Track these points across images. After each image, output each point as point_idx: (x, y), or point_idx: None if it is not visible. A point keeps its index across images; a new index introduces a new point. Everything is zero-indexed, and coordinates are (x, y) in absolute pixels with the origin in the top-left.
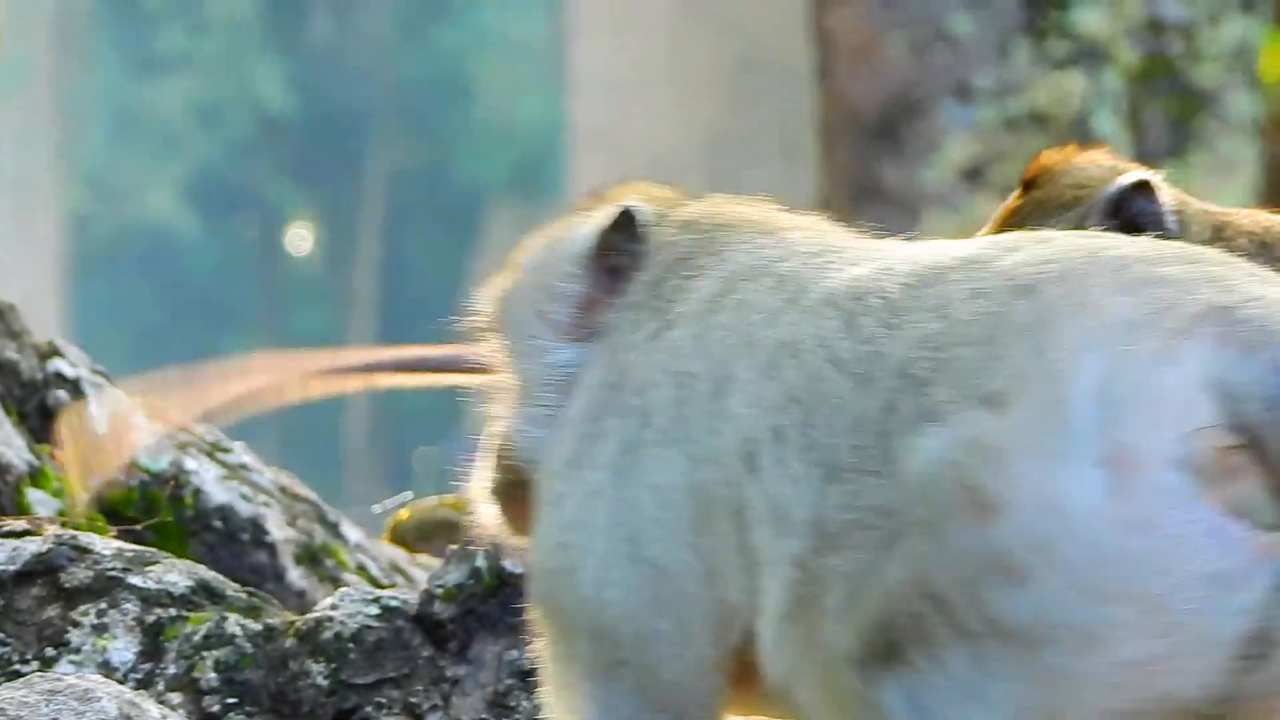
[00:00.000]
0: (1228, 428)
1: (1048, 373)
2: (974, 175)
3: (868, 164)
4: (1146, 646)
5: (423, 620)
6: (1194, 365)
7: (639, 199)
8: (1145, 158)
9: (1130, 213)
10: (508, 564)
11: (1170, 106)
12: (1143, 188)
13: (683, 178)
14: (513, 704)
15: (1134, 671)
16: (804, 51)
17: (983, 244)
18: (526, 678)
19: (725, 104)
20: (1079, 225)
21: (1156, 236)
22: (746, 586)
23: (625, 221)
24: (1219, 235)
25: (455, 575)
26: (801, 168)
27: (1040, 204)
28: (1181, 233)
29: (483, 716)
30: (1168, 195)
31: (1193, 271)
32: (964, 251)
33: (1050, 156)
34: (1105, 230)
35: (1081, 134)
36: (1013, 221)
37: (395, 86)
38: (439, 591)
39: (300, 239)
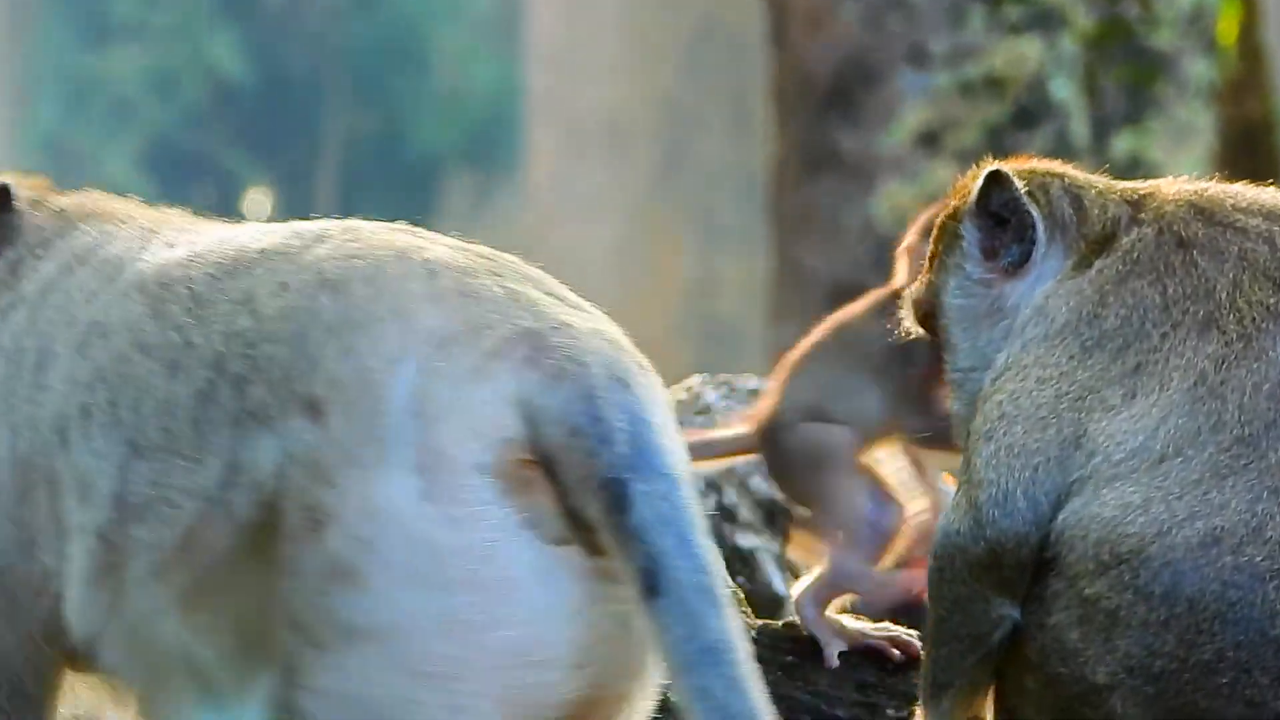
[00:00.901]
0: (529, 446)
1: (363, 381)
2: (929, 141)
3: (822, 131)
4: (507, 634)
5: None
6: (504, 384)
7: (15, 182)
8: (1102, 123)
9: (992, 206)
10: None
11: (1127, 72)
12: (996, 178)
13: (637, 145)
14: None
15: (513, 660)
16: (758, 18)
17: (288, 233)
18: None
19: (680, 71)
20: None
21: (1019, 223)
22: (58, 554)
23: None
24: (1136, 211)
25: None
26: (756, 135)
27: (950, 212)
28: (1076, 216)
29: None
30: (1022, 182)
31: (506, 289)
32: (269, 241)
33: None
34: (977, 226)
35: (1038, 99)
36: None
37: (349, 53)
38: None
39: (257, 205)
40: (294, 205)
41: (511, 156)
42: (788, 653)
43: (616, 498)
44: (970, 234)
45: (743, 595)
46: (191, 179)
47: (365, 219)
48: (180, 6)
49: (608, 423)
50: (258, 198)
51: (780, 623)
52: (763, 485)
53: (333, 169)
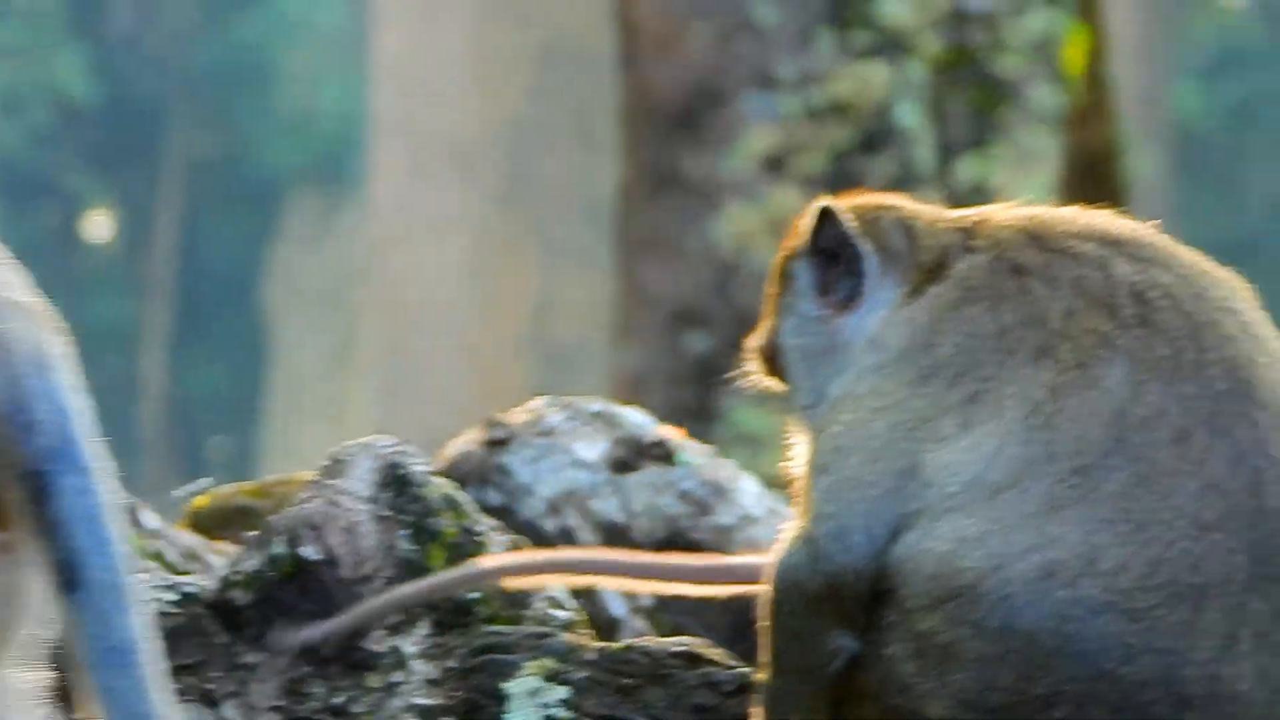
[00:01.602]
0: None
1: None
2: (775, 165)
3: (669, 153)
4: None
5: (219, 607)
6: None
7: None
8: (947, 149)
9: (823, 244)
10: (305, 550)
11: (973, 98)
12: (826, 216)
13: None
14: (308, 691)
15: None
16: (607, 39)
17: None
18: (322, 664)
19: (528, 92)
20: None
21: (850, 258)
22: None
23: None
24: (969, 238)
25: (253, 562)
26: (603, 156)
27: (785, 254)
28: (909, 246)
29: (278, 703)
30: (852, 217)
31: None
32: None
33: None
34: (810, 264)
35: (884, 125)
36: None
37: (196, 74)
38: (237, 578)
39: (99, 226)
40: (136, 226)
41: (356, 176)
42: (626, 675)
43: (38, 489)
44: (803, 273)
45: (584, 617)
46: (34, 198)
47: (208, 240)
48: (27, 26)
49: (32, 412)
50: (99, 219)
51: (618, 645)
52: (604, 508)
53: (176, 190)
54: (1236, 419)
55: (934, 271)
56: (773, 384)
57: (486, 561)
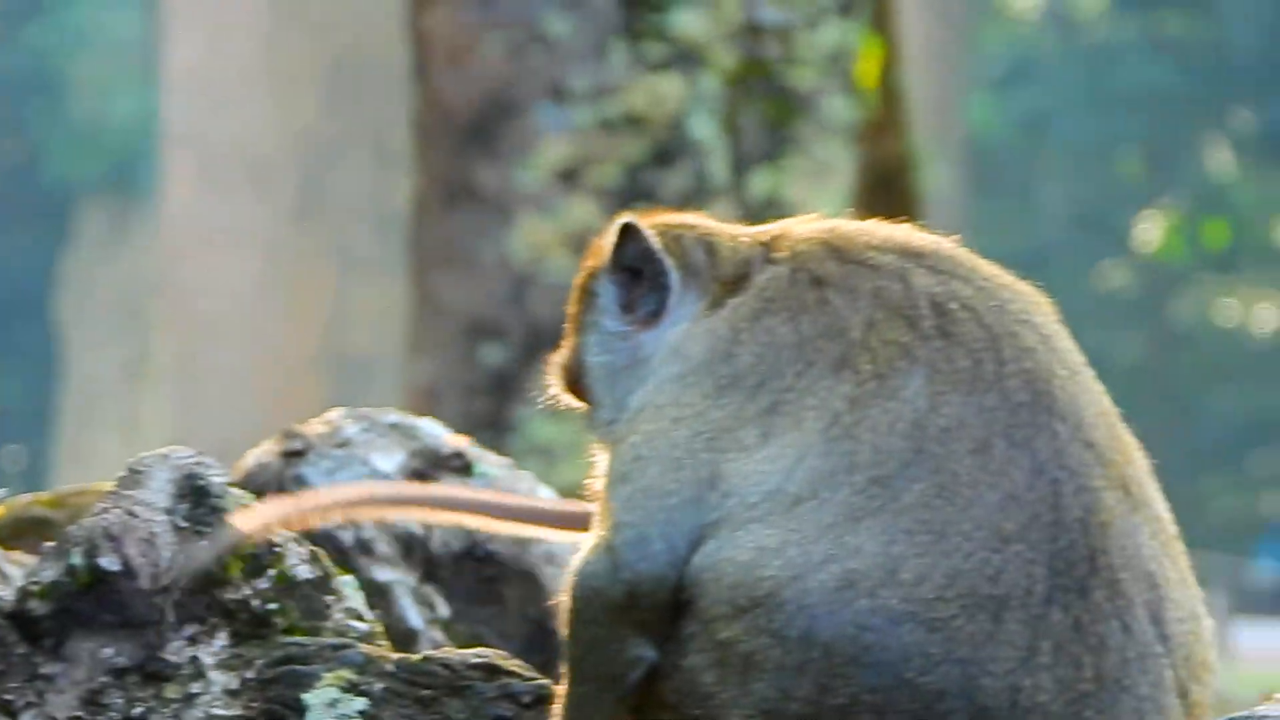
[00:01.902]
0: None
1: None
2: (569, 177)
3: (462, 165)
4: None
5: (17, 617)
6: None
7: None
8: (741, 162)
9: (626, 260)
10: (103, 561)
11: (767, 110)
12: (628, 232)
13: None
14: (106, 701)
15: None
16: (400, 51)
17: None
18: (121, 675)
19: (321, 103)
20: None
21: (653, 273)
22: None
23: None
24: (769, 251)
25: (50, 572)
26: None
27: (587, 272)
28: (710, 260)
29: (77, 714)
30: (654, 233)
31: None
32: None
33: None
34: (613, 281)
35: (677, 137)
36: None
37: None
38: (34, 589)
39: None
40: None
41: (148, 187)
42: (424, 686)
43: None
44: (606, 290)
45: (381, 628)
46: None
47: None
48: None
49: None
50: None
51: (416, 656)
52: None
53: None
54: (1036, 431)
55: (735, 284)
56: (574, 402)
57: (348, 491)
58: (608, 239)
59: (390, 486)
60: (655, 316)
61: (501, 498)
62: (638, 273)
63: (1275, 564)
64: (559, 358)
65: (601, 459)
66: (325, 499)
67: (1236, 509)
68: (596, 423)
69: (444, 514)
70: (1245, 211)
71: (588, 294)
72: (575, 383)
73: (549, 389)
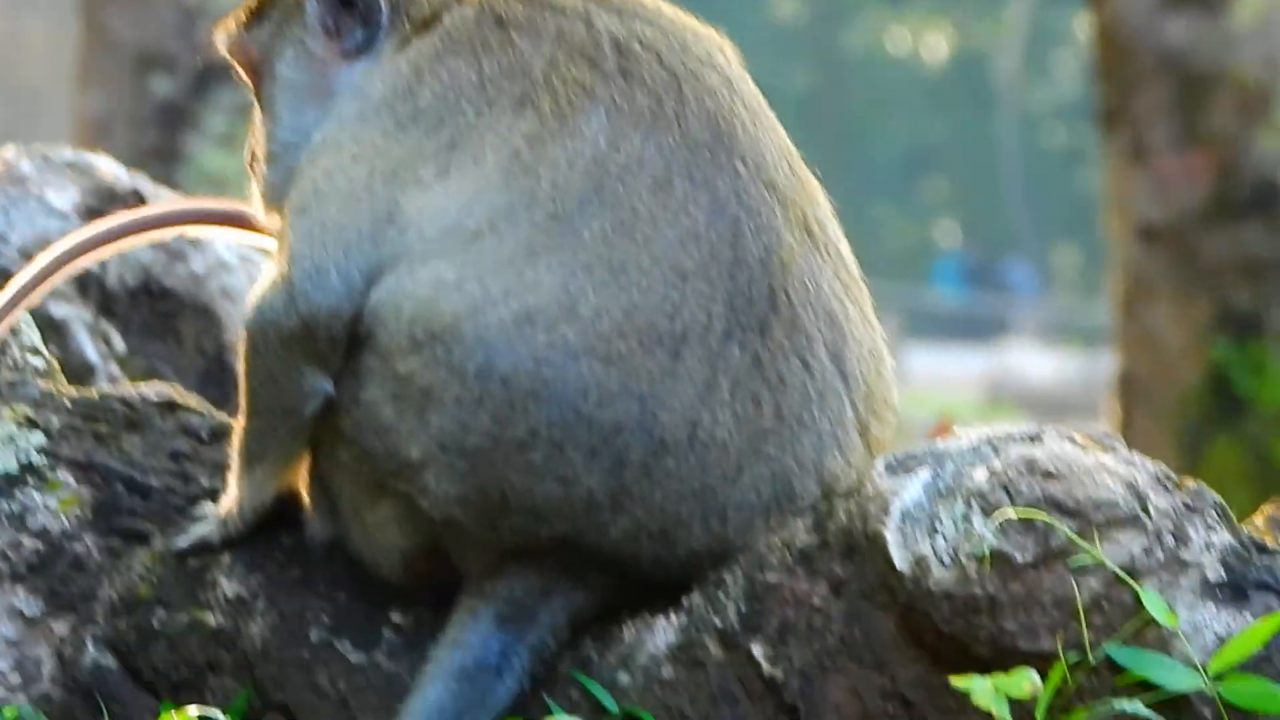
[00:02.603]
0: None
1: None
2: None
3: None
4: None
5: None
6: None
7: None
8: None
9: None
10: None
11: None
12: None
13: None
14: None
15: None
16: None
17: None
18: None
19: None
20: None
21: (365, 6)
22: None
23: None
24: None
25: None
26: None
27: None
28: (406, 5)
29: None
30: None
31: None
32: None
33: None
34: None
35: None
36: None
37: None
38: None
39: None
40: None
41: None
42: (102, 421)
43: None
44: (314, 9)
45: (57, 364)
46: None
47: None
48: None
49: None
50: None
51: (94, 392)
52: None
53: None
54: (717, 170)
55: (425, 26)
56: (248, 91)
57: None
58: None
59: (64, 242)
60: (359, 52)
61: (163, 207)
62: (349, 3)
63: (949, 289)
64: (241, 34)
65: (264, 172)
66: (20, 286)
67: (908, 236)
68: (273, 138)
69: (125, 242)
70: None
71: (297, 6)
72: (254, 74)
73: (211, 46)
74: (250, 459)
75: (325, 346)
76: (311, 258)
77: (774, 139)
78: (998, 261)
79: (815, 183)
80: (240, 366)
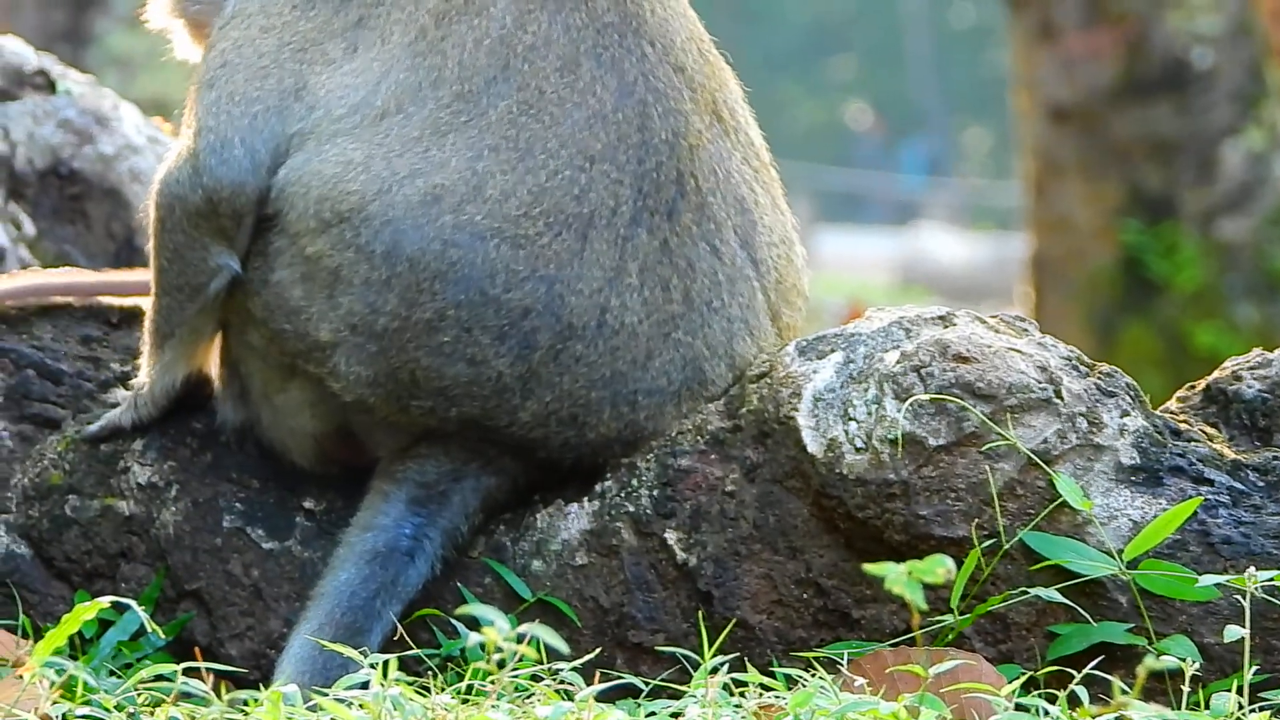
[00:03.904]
0: None
1: None
2: None
3: None
4: None
5: None
6: None
7: None
8: None
9: None
10: None
11: None
12: None
13: None
14: None
15: None
16: None
17: None
18: None
19: None
20: None
21: None
22: None
23: None
24: None
25: None
26: None
27: None
28: None
29: None
30: None
31: None
32: None
33: None
34: None
35: None
36: None
37: None
38: None
39: None
40: None
41: None
42: (14, 307)
43: None
44: None
45: None
46: None
47: None
48: None
49: None
50: None
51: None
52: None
53: None
54: (625, 52)
55: None
56: None
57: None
58: None
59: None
60: None
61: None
62: None
63: (917, 176)
64: None
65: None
66: None
67: (815, 116)
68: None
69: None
70: None
71: None
72: None
73: None
74: (160, 339)
75: (229, 222)
76: (216, 130)
77: (683, 22)
78: (899, 144)
79: (725, 67)
80: (149, 244)
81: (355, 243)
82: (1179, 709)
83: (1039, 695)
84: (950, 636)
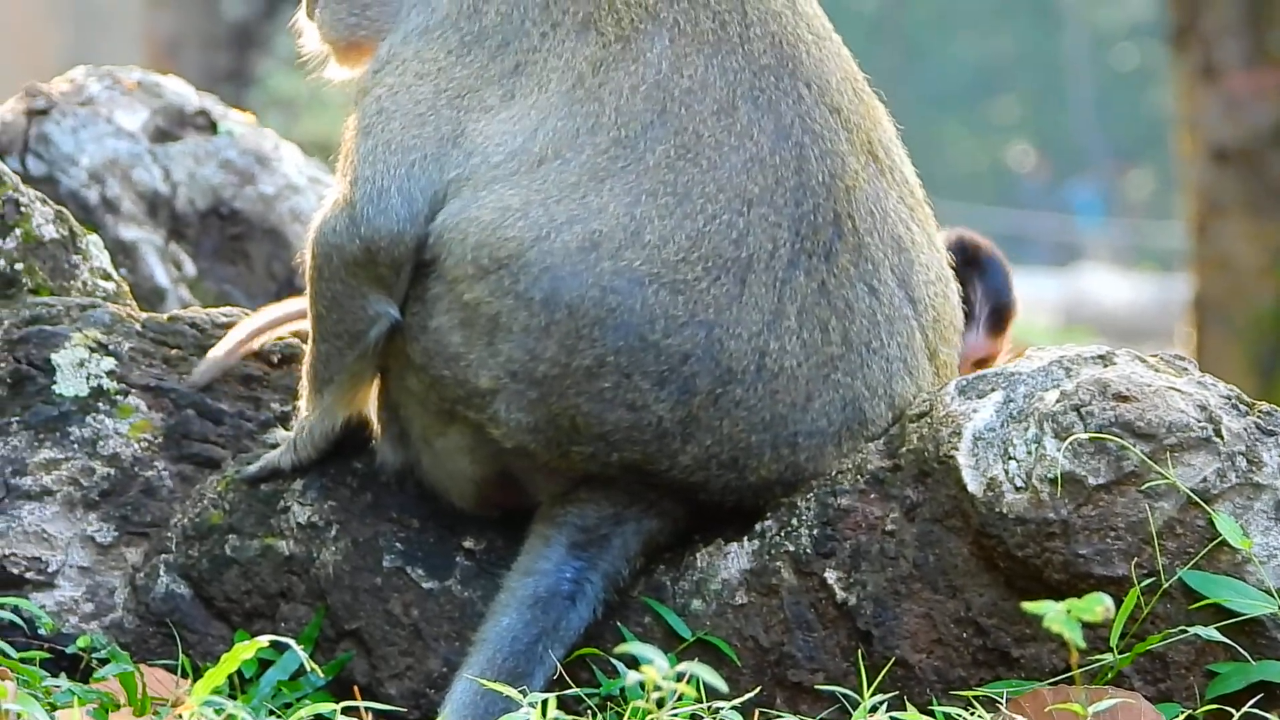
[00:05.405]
0: None
1: None
2: None
3: None
4: None
5: None
6: None
7: None
8: None
9: None
10: None
11: None
12: None
13: None
14: None
15: None
16: None
17: None
18: None
19: None
20: None
21: None
22: None
23: None
24: None
25: None
26: None
27: None
28: None
29: None
30: None
31: None
32: None
33: None
34: None
35: None
36: None
37: None
38: None
39: None
40: None
41: None
42: (172, 346)
43: None
44: None
45: (127, 288)
46: None
47: None
48: None
49: None
50: None
51: (164, 316)
52: (145, 177)
53: None
54: (781, 94)
55: None
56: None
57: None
58: None
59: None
60: None
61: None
62: None
63: (1092, 218)
64: None
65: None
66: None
67: (978, 157)
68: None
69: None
70: None
71: None
72: None
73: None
74: (319, 383)
75: (388, 271)
76: (373, 179)
77: (838, 62)
78: (1063, 185)
79: (880, 106)
80: (306, 291)
81: (514, 289)
82: None
83: None
84: (1109, 675)
